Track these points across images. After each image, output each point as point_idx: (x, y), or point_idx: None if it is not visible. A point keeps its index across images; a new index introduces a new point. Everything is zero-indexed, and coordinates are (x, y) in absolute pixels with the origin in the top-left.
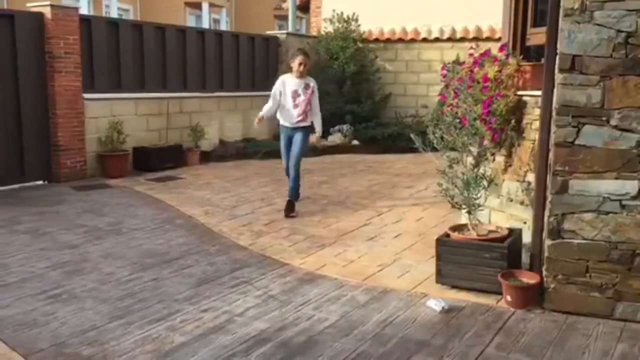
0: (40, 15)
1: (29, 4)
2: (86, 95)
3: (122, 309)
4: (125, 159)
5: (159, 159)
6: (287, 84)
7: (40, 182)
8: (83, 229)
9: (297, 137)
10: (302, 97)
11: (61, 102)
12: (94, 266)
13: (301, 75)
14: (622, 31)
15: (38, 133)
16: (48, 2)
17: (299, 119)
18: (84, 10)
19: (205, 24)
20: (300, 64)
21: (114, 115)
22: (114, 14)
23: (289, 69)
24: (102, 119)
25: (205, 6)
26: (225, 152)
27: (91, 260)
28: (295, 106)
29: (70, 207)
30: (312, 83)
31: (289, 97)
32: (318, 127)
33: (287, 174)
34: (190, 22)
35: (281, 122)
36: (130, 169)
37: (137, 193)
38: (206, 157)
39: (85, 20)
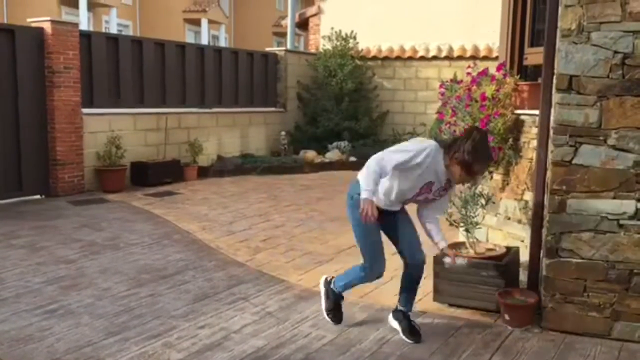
0: (40, 30)
1: (29, 19)
2: (85, 110)
3: (119, 324)
4: (123, 174)
5: (157, 174)
6: (431, 168)
7: (38, 196)
8: (80, 244)
9: (400, 214)
10: (431, 196)
11: (60, 117)
12: (90, 281)
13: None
14: (618, 52)
15: (36, 147)
16: (48, 18)
17: (399, 207)
18: (84, 25)
19: (204, 40)
20: (468, 172)
21: (113, 130)
22: (113, 29)
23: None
24: (100, 133)
25: (204, 22)
26: (223, 168)
27: (88, 276)
28: (412, 200)
29: (68, 221)
30: (452, 179)
31: (417, 186)
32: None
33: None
34: (189, 38)
35: (377, 201)
36: (128, 184)
37: (135, 208)
38: (204, 173)
39: (85, 36)
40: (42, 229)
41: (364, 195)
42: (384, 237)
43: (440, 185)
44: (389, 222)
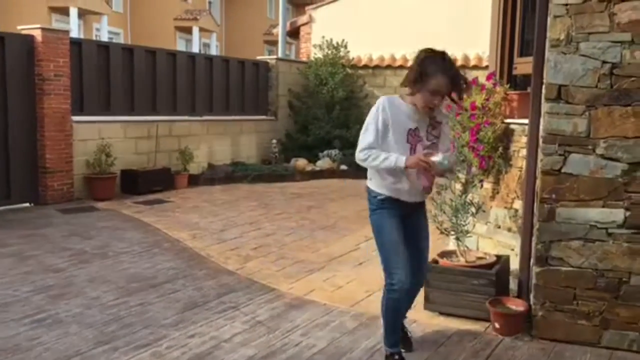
0: (30, 37)
1: (19, 26)
2: (75, 118)
3: (108, 334)
4: (113, 182)
5: (147, 182)
6: (398, 115)
7: (27, 205)
8: (69, 252)
9: (421, 220)
10: (425, 143)
11: (49, 124)
12: (79, 290)
13: (428, 110)
14: (607, 62)
15: (25, 155)
16: (38, 25)
17: (426, 186)
18: (75, 33)
19: (196, 49)
20: (436, 94)
21: (103, 138)
22: (104, 37)
23: (413, 88)
24: (90, 141)
25: (195, 30)
26: (213, 176)
27: (76, 284)
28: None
29: (57, 230)
30: (442, 116)
31: (402, 140)
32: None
33: (408, 287)
34: (181, 46)
35: (383, 190)
36: (118, 192)
37: (125, 216)
38: (195, 181)
39: (76, 43)
40: (30, 238)
41: (398, 162)
42: None
43: (425, 126)
44: (407, 228)
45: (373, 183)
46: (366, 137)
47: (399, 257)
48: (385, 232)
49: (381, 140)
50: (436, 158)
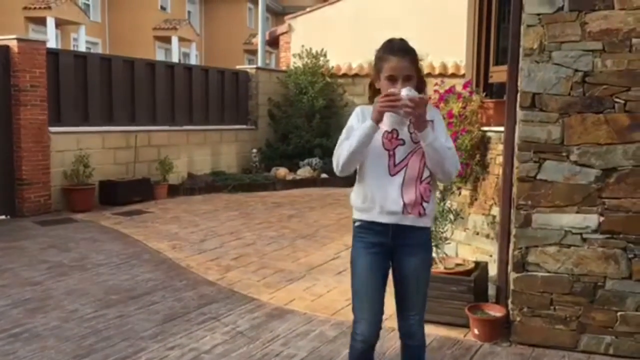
0: (5, 48)
1: None
2: (52, 129)
3: (86, 347)
4: (91, 193)
5: (126, 193)
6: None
7: (3, 217)
8: (46, 265)
9: (411, 260)
10: (409, 146)
11: (26, 136)
12: (57, 303)
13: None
14: (579, 70)
15: (1, 167)
16: (15, 35)
17: (409, 201)
18: (52, 43)
19: (175, 58)
20: (393, 79)
21: (81, 149)
22: (82, 47)
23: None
24: (68, 152)
25: (175, 40)
26: (194, 186)
27: (54, 297)
28: (396, 169)
29: (34, 242)
30: (431, 112)
31: (378, 146)
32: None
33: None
34: (160, 55)
35: (356, 213)
36: (97, 203)
37: (103, 227)
38: (174, 191)
39: (53, 54)
40: (7, 250)
41: (364, 127)
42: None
43: (406, 126)
44: (401, 266)
45: (353, 200)
46: (339, 146)
47: (363, 305)
48: (355, 273)
49: None
50: (402, 91)
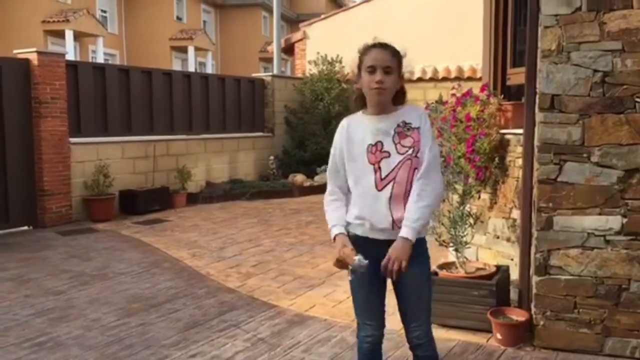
0: (26, 61)
1: (15, 50)
2: (72, 140)
3: (109, 355)
4: (111, 203)
5: (146, 202)
6: (356, 132)
7: (25, 228)
8: (68, 275)
9: (408, 273)
10: (395, 158)
11: (47, 147)
12: (79, 312)
13: (380, 107)
14: (598, 71)
15: (23, 178)
16: (34, 49)
17: (398, 217)
18: (71, 55)
19: (191, 68)
20: (372, 70)
21: (100, 159)
22: (100, 59)
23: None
24: (88, 162)
25: (191, 50)
26: (212, 194)
27: (77, 307)
28: (383, 183)
29: (56, 252)
30: (417, 118)
31: (364, 160)
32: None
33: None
34: (177, 65)
35: (355, 229)
36: (117, 213)
37: (124, 237)
38: (193, 199)
39: (72, 66)
40: (29, 261)
41: (332, 232)
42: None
43: (391, 136)
44: (400, 280)
45: (347, 214)
46: (329, 179)
47: (364, 313)
48: (353, 288)
49: (343, 169)
50: (356, 257)
